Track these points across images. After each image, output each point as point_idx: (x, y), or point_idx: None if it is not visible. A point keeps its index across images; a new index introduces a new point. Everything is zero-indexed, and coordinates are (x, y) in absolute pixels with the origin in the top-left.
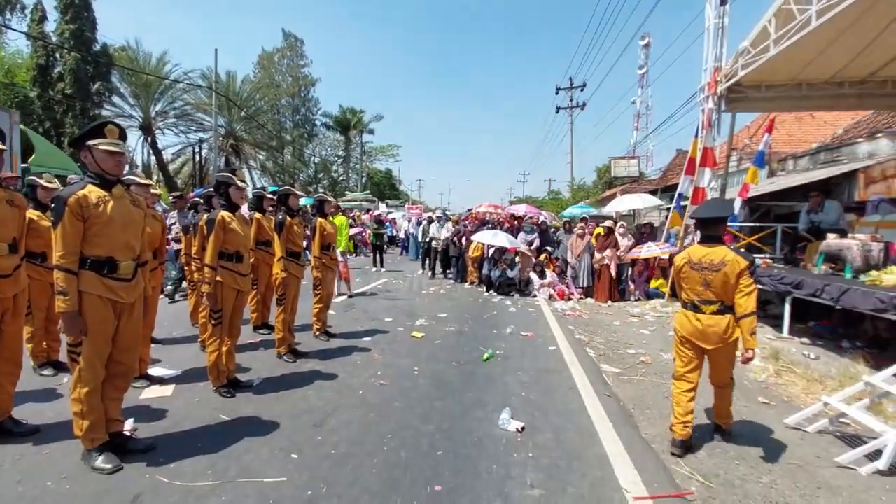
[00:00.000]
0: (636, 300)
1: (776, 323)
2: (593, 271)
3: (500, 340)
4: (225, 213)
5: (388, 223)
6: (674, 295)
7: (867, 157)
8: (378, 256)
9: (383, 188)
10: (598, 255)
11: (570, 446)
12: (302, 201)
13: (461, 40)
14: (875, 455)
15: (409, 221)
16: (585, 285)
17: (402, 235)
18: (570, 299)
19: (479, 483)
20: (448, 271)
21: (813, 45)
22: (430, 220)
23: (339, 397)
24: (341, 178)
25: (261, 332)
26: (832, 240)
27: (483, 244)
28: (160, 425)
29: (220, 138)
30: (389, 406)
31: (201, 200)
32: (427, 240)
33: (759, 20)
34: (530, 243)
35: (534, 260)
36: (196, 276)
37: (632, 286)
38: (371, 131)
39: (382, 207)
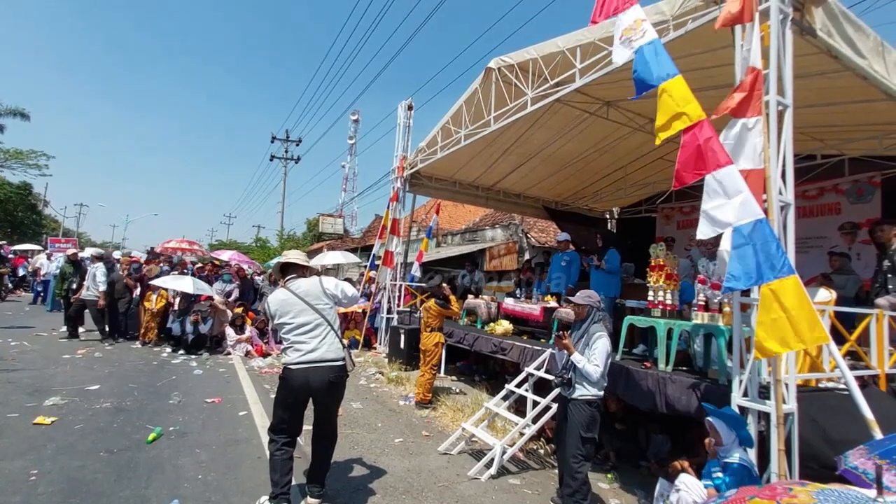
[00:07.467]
0: None
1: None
2: None
3: (176, 413)
4: None
5: (6, 256)
6: (366, 345)
7: (490, 240)
8: None
9: (15, 208)
10: None
11: None
12: None
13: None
14: (490, 463)
15: (51, 259)
16: None
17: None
18: (268, 355)
19: None
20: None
21: (462, 158)
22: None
23: None
24: None
25: None
26: (471, 299)
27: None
28: None
29: None
30: None
31: None
32: (67, 286)
33: (433, 128)
34: (228, 294)
35: (230, 313)
36: None
37: None
38: None
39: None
